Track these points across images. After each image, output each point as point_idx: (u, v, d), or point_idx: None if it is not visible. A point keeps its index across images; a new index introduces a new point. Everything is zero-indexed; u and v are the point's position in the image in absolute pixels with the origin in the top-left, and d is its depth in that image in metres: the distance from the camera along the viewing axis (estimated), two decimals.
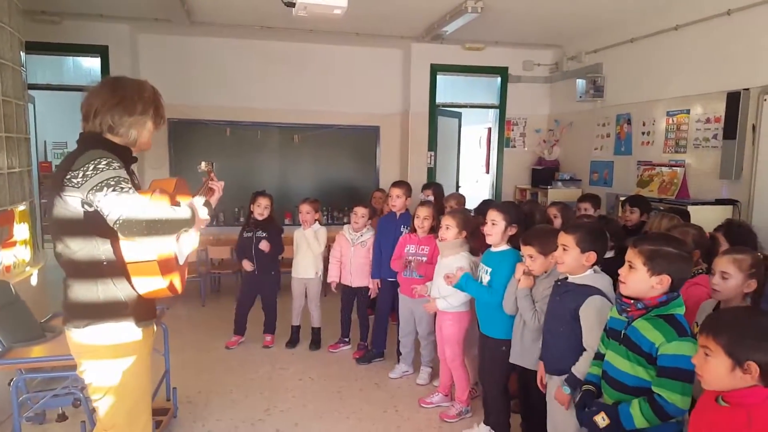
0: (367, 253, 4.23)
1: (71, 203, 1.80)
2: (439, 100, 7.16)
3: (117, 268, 1.86)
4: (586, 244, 2.30)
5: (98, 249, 1.84)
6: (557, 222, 3.70)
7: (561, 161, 7.14)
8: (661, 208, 4.47)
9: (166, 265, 1.92)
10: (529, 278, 2.69)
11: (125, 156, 1.94)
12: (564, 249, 2.34)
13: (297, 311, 4.57)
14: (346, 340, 4.49)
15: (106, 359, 1.91)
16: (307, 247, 4.42)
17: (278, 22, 5.84)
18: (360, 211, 4.29)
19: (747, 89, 4.30)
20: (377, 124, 7.21)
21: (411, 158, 7.11)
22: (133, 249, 1.84)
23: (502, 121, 7.37)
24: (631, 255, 1.95)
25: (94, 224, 1.80)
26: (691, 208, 4.20)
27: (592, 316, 2.24)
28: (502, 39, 6.70)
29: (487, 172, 8.00)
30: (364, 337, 4.35)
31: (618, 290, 2.00)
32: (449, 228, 3.31)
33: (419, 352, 3.93)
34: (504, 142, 7.41)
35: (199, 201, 2.04)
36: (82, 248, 1.83)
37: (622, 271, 1.96)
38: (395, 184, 4.29)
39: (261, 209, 4.43)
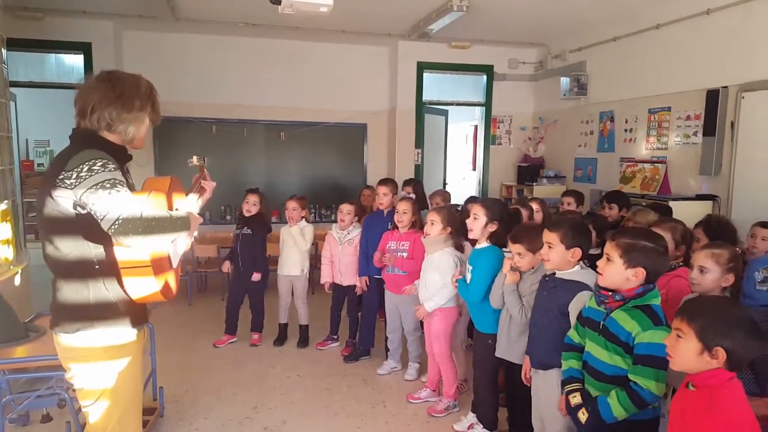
0: (355, 251, 4.24)
1: (63, 204, 1.73)
2: (425, 97, 7.19)
3: (109, 270, 1.80)
4: (570, 240, 2.34)
5: (89, 251, 1.78)
6: (538, 216, 3.76)
7: (546, 158, 7.22)
8: (644, 203, 4.54)
9: (158, 265, 1.86)
10: (515, 274, 2.72)
11: (120, 155, 1.87)
12: (549, 246, 2.38)
13: (284, 309, 4.56)
14: (335, 337, 4.50)
15: (100, 361, 1.84)
16: (293, 244, 4.42)
17: (264, 20, 5.82)
18: (345, 209, 4.29)
19: (726, 87, 4.39)
20: (364, 121, 7.22)
21: (398, 155, 7.13)
22: (126, 251, 1.79)
23: (488, 119, 7.43)
24: (608, 248, 2.01)
25: (85, 227, 1.75)
26: (672, 204, 4.27)
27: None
28: (488, 37, 6.75)
29: (474, 169, 8.06)
30: (353, 335, 4.36)
31: (596, 282, 2.06)
32: (434, 224, 3.33)
33: (407, 348, 3.96)
34: (490, 140, 7.47)
35: (193, 198, 2.00)
36: (72, 250, 1.77)
37: (600, 263, 2.02)
38: (382, 182, 4.30)
39: (249, 206, 4.42)
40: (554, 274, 2.44)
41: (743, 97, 4.26)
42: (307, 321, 4.54)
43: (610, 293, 1.98)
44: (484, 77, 7.33)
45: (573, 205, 4.42)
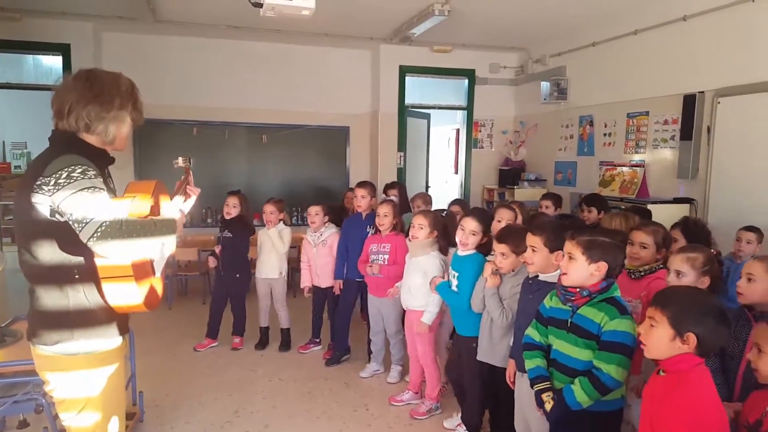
0: (330, 252, 4.23)
1: (40, 210, 1.66)
2: (408, 101, 7.23)
3: (89, 276, 1.73)
4: (553, 243, 2.37)
5: (69, 258, 1.71)
6: (518, 220, 3.79)
7: (527, 162, 7.29)
8: (623, 207, 4.61)
9: (140, 270, 1.78)
10: (496, 278, 2.74)
11: (101, 159, 1.80)
12: (533, 250, 2.41)
13: (264, 312, 4.53)
14: (317, 340, 4.48)
15: (81, 370, 1.76)
16: (271, 246, 4.40)
17: (246, 22, 5.80)
18: (313, 210, 4.30)
19: (702, 92, 4.48)
20: (347, 124, 7.23)
21: (381, 158, 7.15)
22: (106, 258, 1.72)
23: (470, 123, 7.49)
24: (569, 247, 2.08)
25: (61, 236, 1.68)
26: (651, 207, 4.34)
27: None
28: (469, 42, 6.81)
29: (456, 172, 8.11)
30: (335, 337, 4.35)
31: (559, 281, 2.12)
32: (422, 228, 3.35)
33: (390, 351, 3.97)
34: (472, 143, 7.53)
35: (178, 201, 1.97)
36: (52, 257, 1.70)
37: (563, 263, 2.10)
38: (360, 185, 4.24)
39: (228, 208, 4.40)
40: (537, 276, 2.47)
41: (719, 102, 4.35)
42: (288, 324, 4.52)
43: (577, 290, 2.04)
44: (466, 81, 7.39)
45: (551, 209, 4.47)
